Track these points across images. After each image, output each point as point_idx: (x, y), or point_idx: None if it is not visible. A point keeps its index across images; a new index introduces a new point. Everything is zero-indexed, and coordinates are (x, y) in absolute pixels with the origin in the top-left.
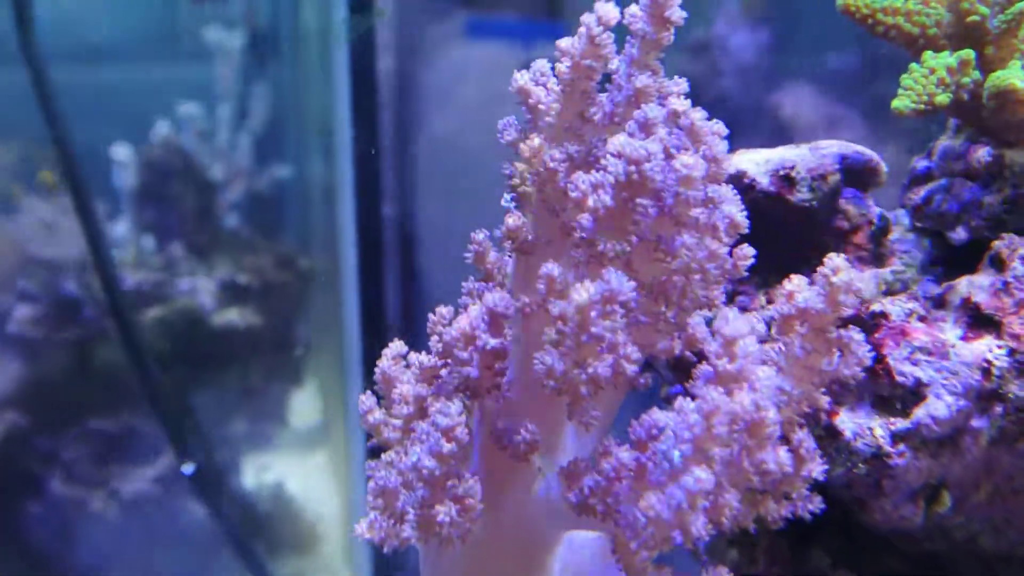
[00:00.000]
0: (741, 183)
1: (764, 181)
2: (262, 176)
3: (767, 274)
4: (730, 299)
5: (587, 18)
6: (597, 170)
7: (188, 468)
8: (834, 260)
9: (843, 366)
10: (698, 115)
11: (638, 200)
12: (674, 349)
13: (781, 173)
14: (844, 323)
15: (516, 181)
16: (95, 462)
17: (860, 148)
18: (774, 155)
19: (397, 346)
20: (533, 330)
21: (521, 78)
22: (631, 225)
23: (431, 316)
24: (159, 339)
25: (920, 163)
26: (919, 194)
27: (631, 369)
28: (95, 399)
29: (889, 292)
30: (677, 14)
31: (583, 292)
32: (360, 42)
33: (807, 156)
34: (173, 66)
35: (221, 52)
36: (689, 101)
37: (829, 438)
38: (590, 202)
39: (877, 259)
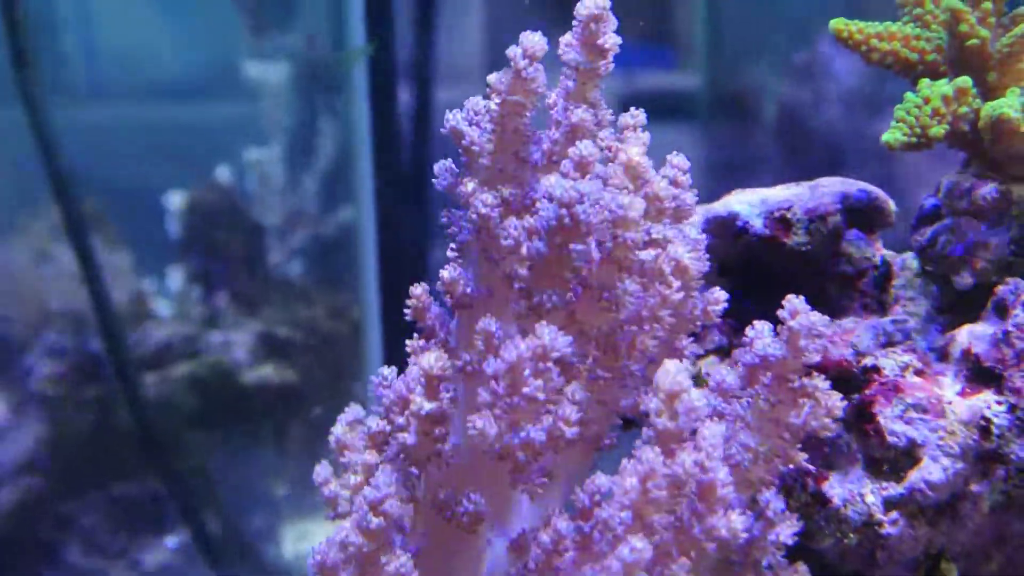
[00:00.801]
0: (733, 226)
1: (757, 224)
2: (328, 219)
3: None
4: (727, 353)
5: (512, 51)
6: (533, 214)
7: (172, 541)
8: (792, 302)
9: (812, 417)
10: (635, 150)
11: (573, 246)
12: (639, 405)
13: (776, 215)
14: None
15: (454, 229)
16: (115, 529)
17: (864, 186)
18: (770, 195)
19: (354, 410)
20: (475, 391)
21: (453, 118)
22: (569, 273)
23: (372, 379)
24: (188, 396)
25: (928, 200)
26: (925, 235)
27: (569, 432)
28: (117, 461)
29: (889, 343)
30: (611, 41)
31: (512, 350)
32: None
33: (805, 196)
34: (236, 102)
35: (264, 87)
36: (646, 134)
37: (817, 505)
38: (524, 250)
39: (882, 306)
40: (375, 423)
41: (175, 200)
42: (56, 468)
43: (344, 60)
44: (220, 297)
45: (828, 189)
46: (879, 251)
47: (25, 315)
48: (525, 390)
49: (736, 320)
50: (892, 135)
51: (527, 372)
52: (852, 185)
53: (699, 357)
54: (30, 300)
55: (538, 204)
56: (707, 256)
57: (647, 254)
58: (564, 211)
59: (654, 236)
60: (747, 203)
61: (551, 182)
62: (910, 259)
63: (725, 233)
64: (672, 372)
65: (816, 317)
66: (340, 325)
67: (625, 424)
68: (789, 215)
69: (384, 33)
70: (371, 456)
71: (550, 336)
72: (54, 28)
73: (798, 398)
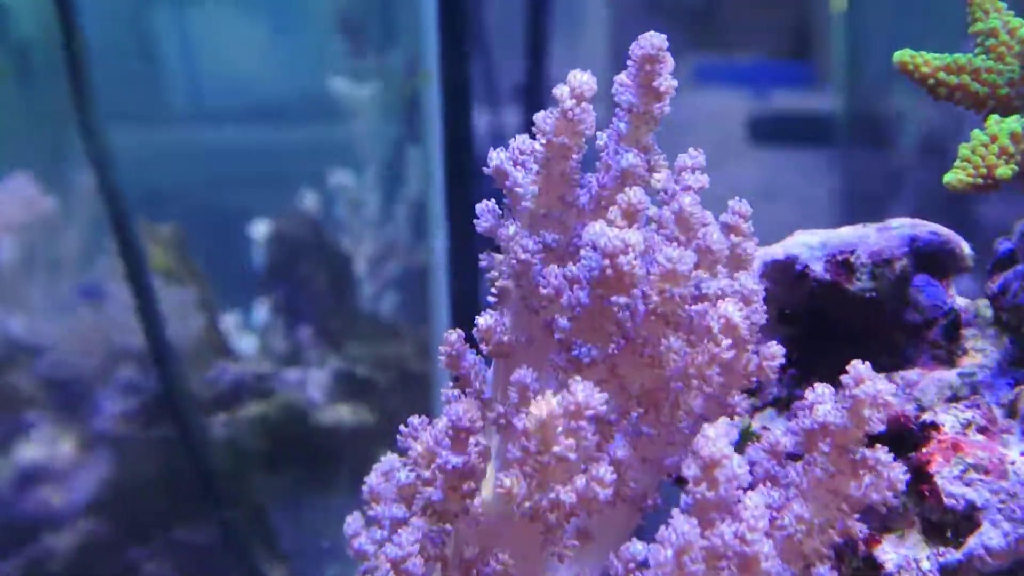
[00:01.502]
0: (792, 271)
1: (818, 268)
2: (420, 250)
3: (827, 377)
4: (786, 405)
5: (559, 90)
6: (577, 262)
7: None
8: (858, 368)
9: (872, 490)
10: (687, 199)
11: (616, 299)
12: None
13: (838, 258)
14: (877, 438)
15: (494, 274)
16: None
17: (936, 228)
18: (832, 237)
19: (389, 460)
20: (508, 446)
21: (497, 157)
22: (612, 326)
23: (402, 428)
24: (255, 438)
25: (1002, 244)
26: (997, 281)
27: (603, 494)
28: (182, 505)
29: (955, 397)
30: (667, 84)
31: (543, 406)
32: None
33: (870, 238)
34: (333, 126)
35: (350, 105)
36: (705, 177)
37: (869, 571)
38: (564, 300)
39: (951, 357)
40: (405, 475)
41: (260, 229)
42: (120, 511)
43: (409, 85)
44: (304, 332)
45: (896, 231)
46: (951, 298)
47: (99, 352)
48: (556, 449)
49: (797, 370)
50: (955, 175)
51: (559, 430)
52: (922, 227)
53: (756, 409)
54: (103, 338)
55: (582, 252)
56: (764, 308)
57: (696, 308)
58: (607, 262)
59: (704, 290)
60: (807, 245)
61: (596, 230)
62: (983, 307)
63: (784, 278)
64: (712, 438)
65: (883, 385)
66: (430, 362)
67: (678, 481)
68: (852, 259)
69: (456, 56)
70: (399, 510)
71: (585, 393)
72: (156, 54)
73: (858, 469)
